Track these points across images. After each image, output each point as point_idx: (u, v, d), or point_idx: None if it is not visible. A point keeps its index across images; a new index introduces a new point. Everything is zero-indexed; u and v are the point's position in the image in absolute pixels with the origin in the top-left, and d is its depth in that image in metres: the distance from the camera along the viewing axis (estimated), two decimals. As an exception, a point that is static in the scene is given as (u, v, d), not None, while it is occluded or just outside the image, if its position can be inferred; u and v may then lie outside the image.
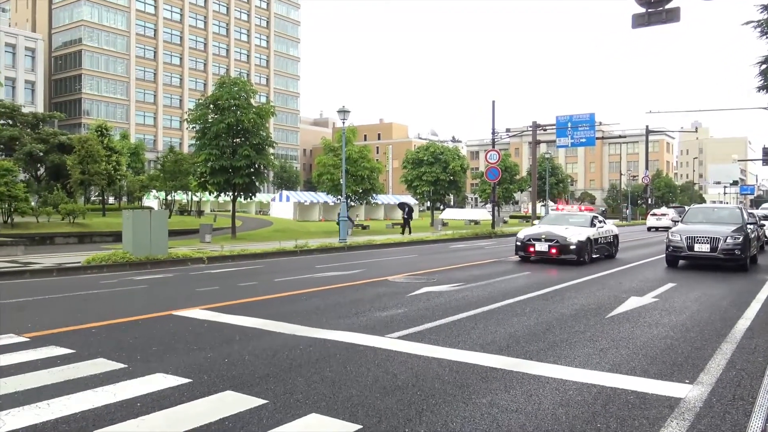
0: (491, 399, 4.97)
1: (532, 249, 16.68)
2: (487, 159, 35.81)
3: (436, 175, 45.92)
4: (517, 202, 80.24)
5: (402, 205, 37.08)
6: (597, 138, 42.50)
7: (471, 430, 4.26)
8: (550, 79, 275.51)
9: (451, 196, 56.34)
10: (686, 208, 22.33)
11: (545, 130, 46.06)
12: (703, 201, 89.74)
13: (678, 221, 19.22)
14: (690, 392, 5.20)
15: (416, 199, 53.24)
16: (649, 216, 48.81)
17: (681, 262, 16.18)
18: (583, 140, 40.88)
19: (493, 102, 38.47)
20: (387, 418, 4.50)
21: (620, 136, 70.02)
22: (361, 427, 4.29)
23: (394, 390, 5.20)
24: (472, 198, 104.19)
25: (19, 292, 11.40)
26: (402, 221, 35.97)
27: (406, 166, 48.40)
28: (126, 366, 5.83)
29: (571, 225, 17.63)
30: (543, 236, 16.66)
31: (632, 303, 9.99)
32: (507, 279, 13.35)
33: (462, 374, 5.71)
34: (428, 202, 51.07)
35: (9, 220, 29.64)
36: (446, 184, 46.81)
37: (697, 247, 15.16)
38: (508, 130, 47.86)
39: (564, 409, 4.74)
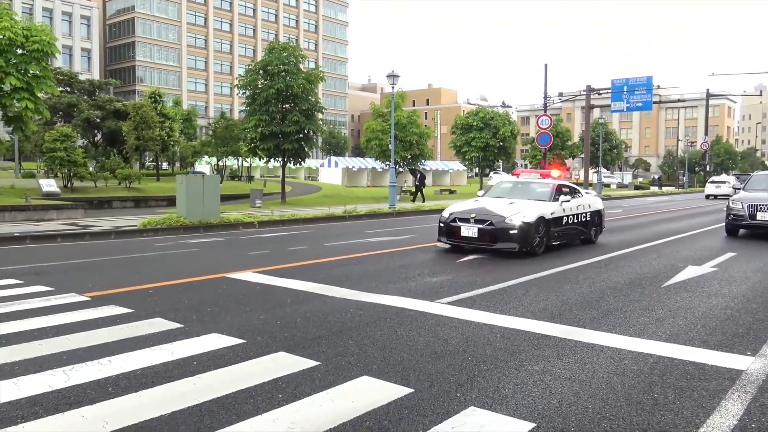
0: (544, 366, 4.90)
1: (459, 233, 11.51)
2: (538, 124, 35.06)
3: (486, 140, 45.28)
4: (568, 168, 78.56)
5: (413, 172, 35.33)
6: (654, 102, 41.09)
7: (523, 397, 4.22)
8: (605, 42, 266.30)
9: (501, 163, 55.61)
10: (751, 174, 19.52)
11: (599, 94, 44.70)
12: (766, 168, 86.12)
13: (739, 189, 18.46)
14: (752, 364, 5.01)
15: (465, 165, 52.67)
16: (707, 183, 47.21)
17: (742, 231, 15.58)
18: (640, 104, 39.58)
19: (546, 65, 37.51)
20: (438, 382, 4.49)
21: (678, 100, 67.17)
22: (413, 390, 4.30)
23: (445, 355, 5.18)
24: (521, 164, 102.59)
25: (80, 253, 11.82)
26: (413, 188, 34.42)
27: (455, 131, 47.83)
28: (182, 326, 5.98)
29: (522, 198, 12.29)
30: (473, 215, 11.32)
31: (690, 272, 9.68)
32: (558, 246, 13.10)
33: (513, 341, 5.64)
34: (477, 168, 50.48)
35: (69, 185, 30.69)
36: (496, 150, 46.14)
37: (759, 216, 14.56)
38: (560, 95, 46.64)
39: (619, 378, 4.64)
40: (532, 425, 3.75)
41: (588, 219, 13.24)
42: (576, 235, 13.00)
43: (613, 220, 21.31)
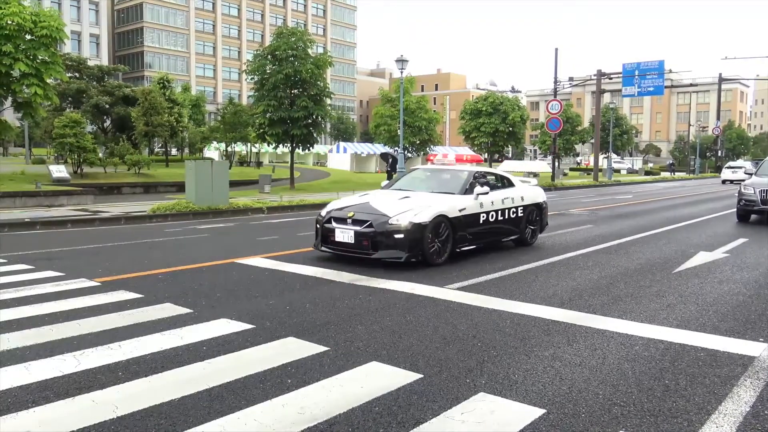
0: (554, 352, 4.88)
1: (334, 237, 8.95)
2: (548, 109, 34.82)
3: (495, 126, 45.02)
4: (578, 154, 78.18)
5: (385, 156, 31.64)
6: (665, 87, 40.68)
7: (533, 383, 4.20)
8: (615, 26, 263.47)
9: (510, 148, 55.32)
10: (764, 159, 19.20)
11: (610, 78, 44.23)
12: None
13: (751, 174, 18.26)
14: (765, 351, 4.97)
15: (474, 150, 52.48)
16: (724, 169, 47.17)
17: (753, 216, 15.45)
18: (651, 89, 39.16)
19: (556, 50, 37.18)
20: (448, 368, 4.48)
21: (690, 85, 66.65)
22: (422, 376, 4.29)
23: (455, 340, 5.17)
24: (531, 150, 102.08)
25: (90, 239, 11.87)
26: (386, 174, 31.38)
27: (464, 116, 47.60)
28: (192, 311, 5.99)
29: (426, 191, 9.82)
30: (351, 214, 8.83)
31: (701, 258, 9.61)
32: (568, 232, 13.05)
33: (523, 326, 5.62)
34: (486, 154, 50.31)
35: (79, 170, 30.79)
36: (505, 135, 45.90)
37: (772, 201, 14.41)
38: (570, 79, 46.18)
39: (630, 365, 4.61)
40: (542, 411, 3.73)
41: (520, 215, 10.43)
42: (501, 235, 10.34)
43: (624, 205, 21.19)
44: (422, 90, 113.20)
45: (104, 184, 28.99)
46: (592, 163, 49.00)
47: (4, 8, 19.52)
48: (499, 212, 9.96)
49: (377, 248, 8.49)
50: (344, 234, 8.72)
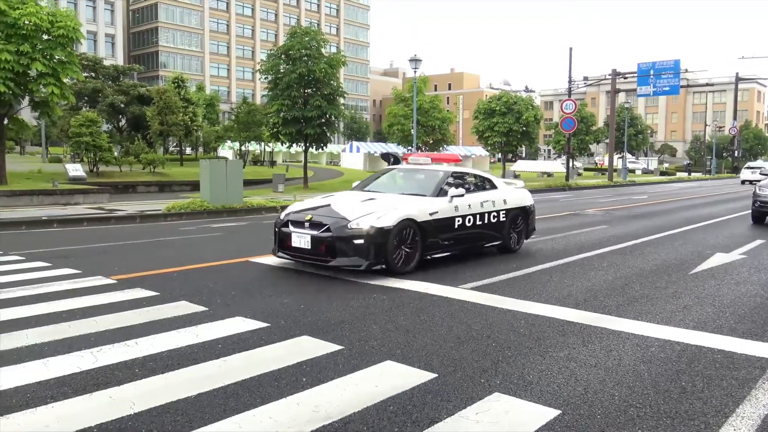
0: (569, 353, 4.86)
1: (290, 242, 8.19)
2: (562, 109, 34.66)
3: (509, 125, 44.79)
4: (592, 154, 77.62)
5: (386, 156, 33.57)
6: (681, 86, 40.28)
7: (548, 384, 4.18)
8: (630, 25, 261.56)
9: (524, 148, 55.06)
10: None
11: (625, 78, 43.95)
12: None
13: (767, 175, 18.06)
14: (783, 353, 4.91)
15: (487, 150, 52.32)
16: (743, 169, 47.02)
17: (771, 217, 15.27)
18: (666, 88, 38.84)
19: (570, 49, 37.00)
20: (462, 367, 4.48)
21: (706, 84, 65.65)
22: (437, 375, 4.29)
23: (469, 340, 5.16)
24: (545, 150, 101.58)
25: (106, 237, 11.97)
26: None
27: (478, 116, 47.40)
28: (207, 309, 6.02)
29: (395, 192, 9.10)
30: (309, 217, 8.11)
31: (718, 259, 9.52)
32: (583, 232, 12.98)
33: (538, 327, 5.60)
34: (499, 154, 50.13)
35: (95, 169, 31.07)
36: (519, 135, 45.61)
37: (789, 202, 14.26)
38: (585, 79, 45.91)
39: (646, 366, 4.58)
40: (557, 412, 3.72)
41: (502, 220, 9.64)
42: (481, 240, 9.48)
43: (639, 206, 21.05)
44: (435, 89, 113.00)
45: (119, 183, 29.22)
46: (606, 163, 48.68)
47: (22, 8, 19.73)
48: (478, 216, 9.19)
49: (335, 255, 7.70)
50: (301, 239, 7.97)
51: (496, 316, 5.99)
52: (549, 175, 52.65)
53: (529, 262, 9.12)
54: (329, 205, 8.37)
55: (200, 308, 6.05)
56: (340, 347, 4.89)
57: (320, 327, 5.47)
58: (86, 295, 6.61)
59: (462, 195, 8.83)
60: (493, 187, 10.01)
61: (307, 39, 26.83)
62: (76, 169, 27.50)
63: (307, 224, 8.03)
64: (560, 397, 3.95)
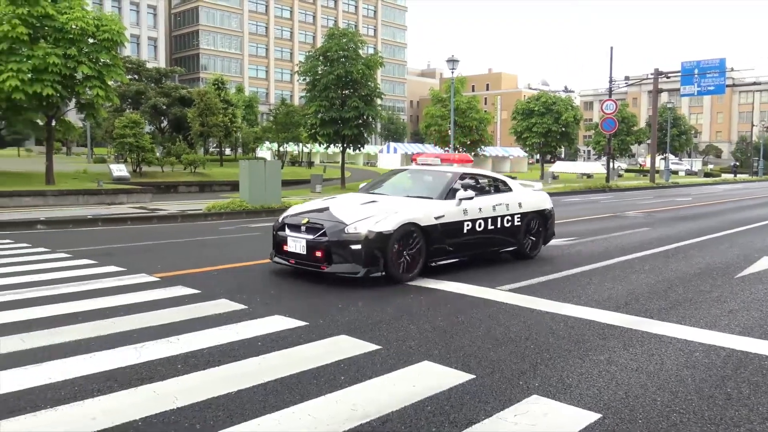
0: (609, 356, 4.78)
1: (286, 247, 7.83)
2: (602, 109, 34.11)
3: (547, 126, 44.35)
4: (633, 155, 76.23)
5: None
6: (727, 85, 39.25)
7: (588, 387, 4.13)
8: (674, 24, 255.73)
9: (563, 149, 54.39)
10: None
11: (668, 77, 42.99)
12: None
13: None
14: (835, 360, 4.75)
15: (525, 151, 51.81)
16: None
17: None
18: (711, 88, 37.88)
19: (611, 48, 36.39)
20: (500, 369, 4.45)
21: (754, 83, 63.74)
22: (475, 376, 4.27)
23: (507, 342, 5.13)
24: (584, 150, 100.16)
25: (149, 235, 12.24)
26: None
27: (516, 117, 47.06)
28: (246, 307, 6.11)
29: (400, 195, 8.61)
30: (305, 220, 7.68)
31: (765, 263, 9.25)
32: (624, 234, 12.76)
33: (577, 330, 5.53)
34: (538, 155, 49.59)
35: (138, 169, 31.81)
36: (558, 135, 45.15)
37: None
38: (626, 78, 45.09)
39: (689, 371, 4.48)
40: (597, 416, 3.67)
41: (516, 224, 9.10)
42: (492, 246, 8.92)
43: (682, 208, 20.58)
44: (473, 90, 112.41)
45: (161, 183, 29.83)
46: (648, 165, 47.71)
47: (69, 13, 20.32)
48: (490, 220, 8.64)
49: (331, 261, 7.28)
50: (296, 243, 7.55)
51: (534, 318, 5.93)
52: (589, 176, 51.88)
53: (568, 264, 9.01)
54: (328, 208, 7.96)
55: (240, 306, 6.14)
56: (377, 347, 4.91)
57: (358, 326, 5.50)
58: (130, 292, 6.78)
59: (471, 198, 8.29)
60: (508, 189, 9.44)
61: (344, 40, 27.01)
62: (120, 170, 28.20)
63: (303, 228, 7.58)
64: (601, 401, 3.89)
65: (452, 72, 27.67)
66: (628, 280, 7.90)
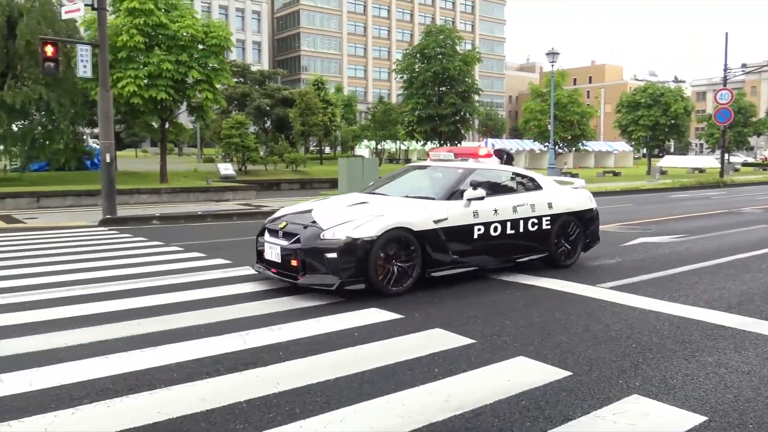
0: (718, 358, 4.54)
1: (264, 254, 7.24)
2: (716, 99, 32.09)
3: (655, 118, 42.31)
4: (752, 148, 71.21)
5: (499, 153, 31.00)
6: None
7: (693, 389, 3.94)
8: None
9: (672, 142, 51.71)
10: None
11: (791, 63, 39.82)
12: None
13: None
14: None
15: (631, 145, 49.67)
16: None
17: None
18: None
19: (726, 34, 34.13)
20: (599, 367, 4.34)
21: None
22: (572, 374, 4.19)
23: (607, 340, 4.98)
24: (696, 144, 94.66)
25: (253, 231, 12.75)
26: None
27: (621, 109, 45.22)
28: (342, 299, 6.28)
29: (397, 195, 7.67)
30: (283, 225, 7.00)
31: None
32: (738, 232, 11.99)
33: (684, 330, 5.28)
34: (645, 149, 47.39)
35: (243, 168, 33.26)
36: (666, 128, 42.99)
37: None
38: (743, 66, 42.27)
39: (809, 376, 4.18)
40: (703, 418, 3.50)
41: (545, 227, 7.91)
42: (514, 253, 7.72)
43: (806, 204, 19.05)
44: (574, 83, 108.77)
45: (265, 181, 31.03)
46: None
47: (180, 22, 21.57)
48: (509, 223, 7.52)
49: (307, 269, 6.46)
50: (272, 250, 6.88)
51: (636, 316, 5.72)
52: (700, 171, 49.00)
53: (675, 262, 8.59)
54: (311, 210, 7.15)
55: (336, 298, 6.32)
56: (472, 341, 4.91)
57: (453, 320, 5.53)
58: (235, 283, 7.15)
59: (482, 197, 7.19)
60: (536, 187, 8.22)
61: (441, 37, 27.02)
62: (227, 168, 29.60)
63: (280, 233, 6.90)
64: (707, 404, 3.71)
65: (552, 65, 26.97)
66: (741, 279, 7.44)
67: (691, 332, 5.22)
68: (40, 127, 22.78)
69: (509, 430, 3.38)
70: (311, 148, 57.82)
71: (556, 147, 35.91)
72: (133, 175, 26.53)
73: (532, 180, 8.36)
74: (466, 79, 27.42)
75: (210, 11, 75.12)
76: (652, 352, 4.68)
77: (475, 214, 7.20)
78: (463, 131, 28.38)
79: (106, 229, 13.12)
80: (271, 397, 3.78)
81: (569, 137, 36.98)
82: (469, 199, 7.16)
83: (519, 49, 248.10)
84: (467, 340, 4.92)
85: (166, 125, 24.01)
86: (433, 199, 7.26)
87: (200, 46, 22.25)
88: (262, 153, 38.01)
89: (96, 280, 7.32)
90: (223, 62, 23.45)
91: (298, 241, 6.59)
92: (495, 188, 7.74)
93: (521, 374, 4.18)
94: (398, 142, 53.28)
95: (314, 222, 6.70)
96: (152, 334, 5.10)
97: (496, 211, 7.41)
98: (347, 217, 6.64)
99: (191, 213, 15.51)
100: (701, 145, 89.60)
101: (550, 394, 3.84)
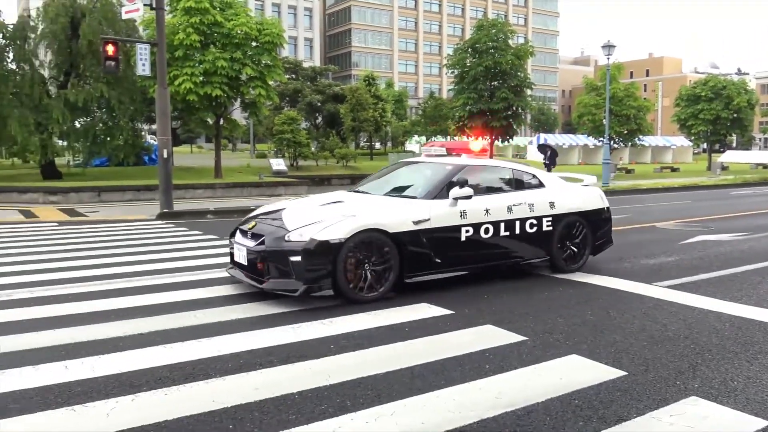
0: (783, 361, 4.37)
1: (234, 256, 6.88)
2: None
3: (716, 112, 40.82)
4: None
5: (542, 148, 27.48)
6: None
7: (756, 392, 3.80)
8: None
9: (734, 137, 49.83)
10: None
11: None
12: None
13: None
14: None
15: (690, 140, 48.11)
16: None
17: None
18: None
19: (794, 23, 32.60)
20: (655, 368, 4.23)
21: None
22: (626, 373, 4.10)
23: (663, 340, 4.85)
24: (760, 138, 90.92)
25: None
26: (543, 166, 27.41)
27: (680, 103, 43.80)
28: (394, 294, 6.28)
29: (378, 194, 7.21)
30: (252, 225, 6.66)
31: None
32: (805, 230, 11.48)
33: (746, 331, 5.10)
34: (705, 144, 45.82)
35: (295, 163, 33.68)
36: (728, 122, 41.43)
37: None
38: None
39: None
40: (765, 423, 3.38)
41: (546, 229, 7.24)
42: (508, 257, 7.13)
43: None
44: (631, 77, 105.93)
45: (316, 176, 31.35)
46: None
47: (235, 20, 21.97)
48: (503, 224, 6.89)
49: (270, 272, 6.07)
50: (240, 252, 6.49)
51: (695, 316, 5.55)
52: (765, 166, 47.08)
53: (737, 261, 8.29)
54: (283, 209, 6.73)
55: (388, 294, 6.33)
56: (523, 338, 4.86)
57: (504, 317, 5.48)
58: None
59: (469, 196, 6.58)
60: (537, 185, 7.53)
61: (494, 31, 26.72)
62: (279, 164, 30.04)
63: (249, 234, 6.51)
64: (770, 408, 3.58)
65: (608, 58, 26.32)
66: (809, 279, 7.13)
67: (753, 333, 5.03)
68: (101, 124, 23.60)
69: (561, 429, 3.33)
70: (361, 144, 58.11)
71: (611, 142, 35.06)
72: (189, 170, 27.21)
73: (533, 176, 7.69)
74: (519, 74, 27.04)
75: (263, 9, 76.22)
76: (712, 354, 4.53)
77: (463, 214, 6.63)
78: (515, 126, 27.98)
79: (164, 222, 13.51)
80: (322, 389, 3.83)
81: (625, 132, 36.08)
82: (455, 198, 6.59)
83: (573, 43, 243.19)
84: (518, 337, 4.87)
85: (221, 121, 24.51)
86: (415, 198, 6.75)
87: (254, 44, 22.64)
88: (313, 148, 38.40)
89: (154, 272, 7.56)
90: (276, 59, 23.78)
91: (263, 242, 6.18)
92: (488, 186, 7.23)
93: (574, 373, 4.12)
94: (449, 137, 53.01)
95: (282, 223, 6.30)
96: (207, 325, 5.23)
97: (487, 211, 6.82)
98: (316, 217, 6.20)
99: (244, 207, 15.79)
100: (766, 140, 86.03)
101: (604, 394, 3.77)
